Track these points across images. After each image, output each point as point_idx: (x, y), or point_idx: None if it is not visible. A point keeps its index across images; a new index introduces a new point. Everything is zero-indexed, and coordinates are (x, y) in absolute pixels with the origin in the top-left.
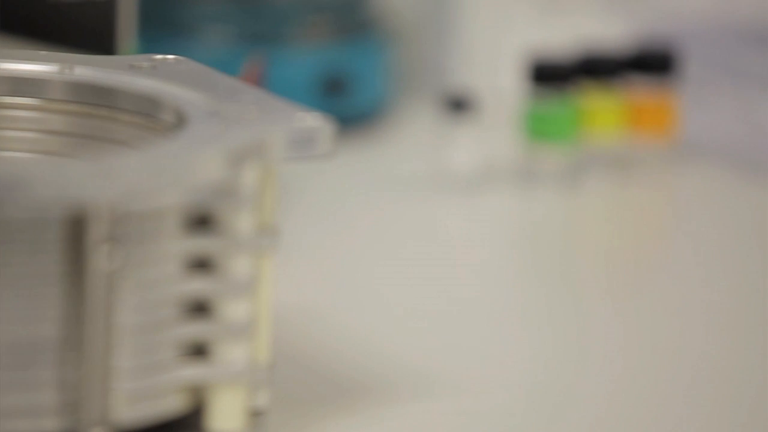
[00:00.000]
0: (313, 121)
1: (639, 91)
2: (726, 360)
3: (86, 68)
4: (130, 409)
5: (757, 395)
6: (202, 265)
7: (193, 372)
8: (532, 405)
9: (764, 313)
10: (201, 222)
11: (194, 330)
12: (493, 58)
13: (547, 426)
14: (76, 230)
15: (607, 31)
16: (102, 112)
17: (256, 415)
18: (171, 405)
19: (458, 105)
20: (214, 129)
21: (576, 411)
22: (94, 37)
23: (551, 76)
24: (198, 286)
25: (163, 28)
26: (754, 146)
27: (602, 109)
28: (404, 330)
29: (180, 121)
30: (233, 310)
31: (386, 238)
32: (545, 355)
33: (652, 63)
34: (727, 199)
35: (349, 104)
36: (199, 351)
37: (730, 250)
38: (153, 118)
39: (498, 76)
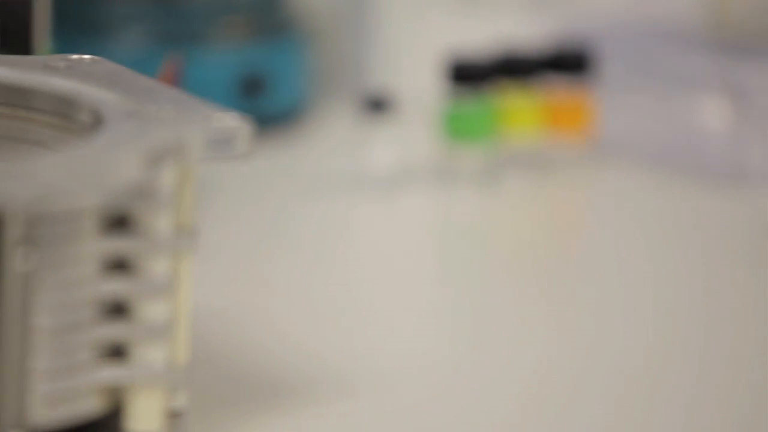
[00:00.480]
0: (232, 122)
1: (556, 91)
2: (641, 356)
3: (1, 68)
4: (47, 410)
5: (671, 389)
6: (119, 266)
7: (111, 373)
8: (453, 403)
9: (683, 310)
10: (118, 223)
11: (112, 331)
12: (411, 58)
13: (468, 424)
14: None
15: (524, 31)
16: (17, 113)
17: (174, 417)
18: (89, 406)
19: (377, 105)
20: (131, 129)
21: (495, 408)
22: (8, 36)
23: (469, 75)
24: (116, 287)
25: (79, 27)
26: (670, 145)
27: (520, 109)
28: (325, 330)
29: (97, 122)
30: (151, 311)
31: (305, 238)
32: (465, 353)
33: (569, 63)
34: (645, 198)
35: (268, 104)
36: (117, 352)
37: (648, 249)
38: (69, 118)
39: (417, 76)
